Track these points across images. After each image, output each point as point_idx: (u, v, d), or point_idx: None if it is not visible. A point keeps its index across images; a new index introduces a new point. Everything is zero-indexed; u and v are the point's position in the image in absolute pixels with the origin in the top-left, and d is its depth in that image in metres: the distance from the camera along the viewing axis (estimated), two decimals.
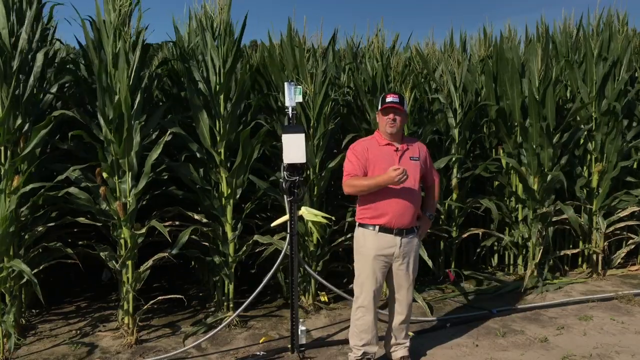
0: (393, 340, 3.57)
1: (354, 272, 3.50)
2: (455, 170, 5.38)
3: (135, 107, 3.89)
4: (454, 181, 5.33)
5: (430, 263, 4.63)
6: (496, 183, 5.66)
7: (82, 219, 4.07)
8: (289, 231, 3.72)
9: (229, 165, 4.32)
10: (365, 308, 3.41)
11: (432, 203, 3.65)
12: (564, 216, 5.19)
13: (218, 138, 4.26)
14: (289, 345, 3.80)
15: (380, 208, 3.31)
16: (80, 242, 4.22)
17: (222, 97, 4.24)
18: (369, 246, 3.36)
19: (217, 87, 4.23)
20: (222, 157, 4.26)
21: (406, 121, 3.86)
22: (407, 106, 3.66)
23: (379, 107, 3.40)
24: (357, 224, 3.48)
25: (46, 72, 4.28)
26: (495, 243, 5.74)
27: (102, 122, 3.95)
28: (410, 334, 3.80)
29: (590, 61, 5.46)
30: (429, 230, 5.01)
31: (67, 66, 4.69)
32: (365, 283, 3.38)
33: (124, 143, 3.85)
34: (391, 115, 3.34)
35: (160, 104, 4.86)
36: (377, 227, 3.34)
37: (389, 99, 3.37)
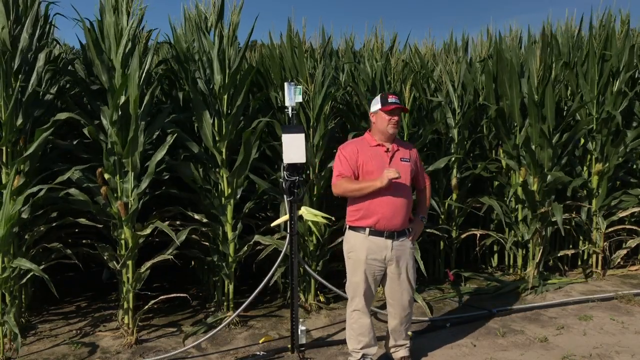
0: (393, 342, 3.55)
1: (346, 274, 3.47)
2: (455, 170, 5.38)
3: (143, 107, 3.91)
4: (453, 181, 5.33)
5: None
6: (496, 183, 5.66)
7: (83, 220, 4.07)
8: (289, 231, 3.72)
9: (229, 164, 4.32)
10: (360, 311, 3.39)
11: (424, 206, 3.63)
12: (566, 215, 5.18)
13: (218, 137, 4.26)
14: (289, 345, 3.80)
15: (371, 208, 3.28)
16: (81, 242, 4.22)
17: (225, 97, 4.25)
18: (360, 250, 3.32)
19: (222, 87, 4.23)
20: (224, 156, 4.27)
21: None
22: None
23: (380, 107, 3.34)
24: (347, 226, 3.45)
25: (46, 72, 4.27)
26: (495, 243, 5.74)
27: (105, 122, 3.95)
28: (410, 333, 3.79)
29: (592, 60, 5.45)
30: (429, 230, 5.05)
31: (68, 67, 4.69)
32: (358, 287, 3.36)
33: (129, 143, 3.85)
34: (396, 117, 3.33)
35: (161, 104, 4.86)
36: (367, 230, 3.30)
37: (392, 99, 3.33)
